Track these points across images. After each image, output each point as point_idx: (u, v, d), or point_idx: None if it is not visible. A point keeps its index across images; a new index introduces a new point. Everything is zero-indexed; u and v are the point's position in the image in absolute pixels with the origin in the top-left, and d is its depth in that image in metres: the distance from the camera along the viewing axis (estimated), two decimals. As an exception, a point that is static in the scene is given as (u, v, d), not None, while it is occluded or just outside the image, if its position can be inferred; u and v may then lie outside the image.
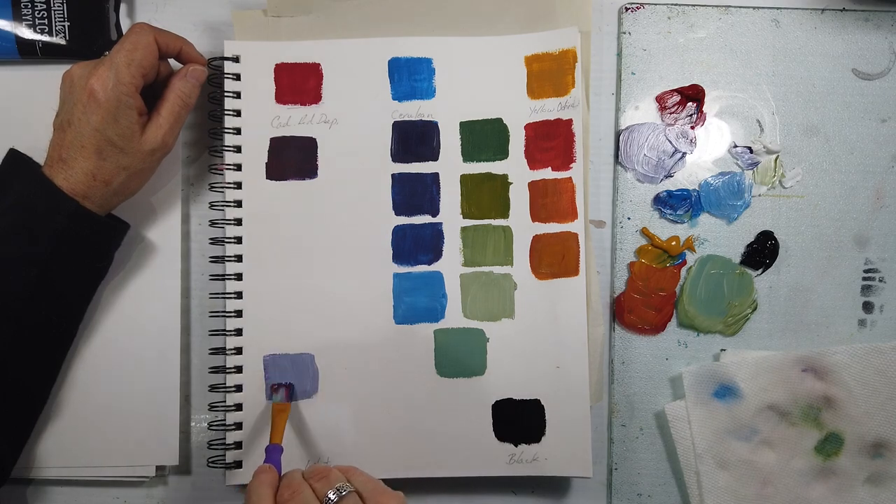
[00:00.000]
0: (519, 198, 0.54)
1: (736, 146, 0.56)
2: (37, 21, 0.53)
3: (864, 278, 0.56)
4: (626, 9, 0.56)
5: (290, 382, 0.53)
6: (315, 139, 0.54)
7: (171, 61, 0.52)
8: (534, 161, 0.54)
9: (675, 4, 0.56)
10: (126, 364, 0.54)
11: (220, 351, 0.53)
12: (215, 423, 0.53)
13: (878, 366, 0.54)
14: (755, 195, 0.56)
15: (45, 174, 0.48)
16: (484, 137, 0.55)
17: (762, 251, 0.56)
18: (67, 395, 0.53)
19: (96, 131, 0.47)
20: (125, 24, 0.56)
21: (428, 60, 0.55)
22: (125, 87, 0.47)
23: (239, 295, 0.53)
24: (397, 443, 0.53)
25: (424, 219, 0.54)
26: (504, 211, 0.54)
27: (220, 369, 0.53)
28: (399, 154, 0.55)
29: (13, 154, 0.50)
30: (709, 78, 0.56)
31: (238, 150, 0.54)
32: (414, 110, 0.55)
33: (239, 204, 0.54)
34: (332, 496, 0.41)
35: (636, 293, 0.55)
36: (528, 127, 0.54)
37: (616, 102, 0.57)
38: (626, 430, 0.55)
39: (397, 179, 0.54)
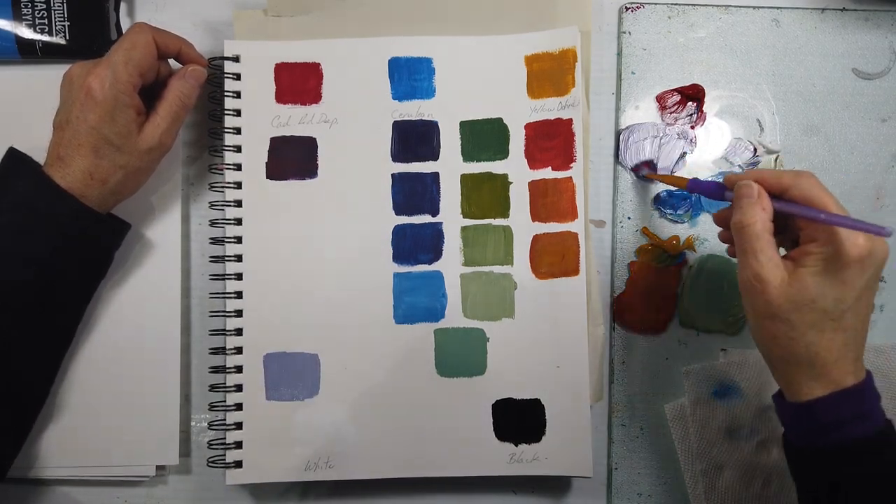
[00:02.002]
0: (519, 197, 0.54)
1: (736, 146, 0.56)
2: (37, 21, 0.53)
3: (865, 278, 0.56)
4: (626, 8, 0.56)
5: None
6: (315, 139, 0.54)
7: (172, 62, 0.52)
8: (534, 161, 0.54)
9: (676, 4, 0.56)
10: (126, 364, 0.54)
11: (220, 351, 0.53)
12: (215, 423, 0.53)
13: (878, 366, 0.54)
14: (755, 195, 0.56)
15: (45, 172, 0.48)
16: (484, 137, 0.55)
17: (762, 251, 0.56)
18: (68, 394, 0.53)
19: (93, 129, 0.47)
20: (125, 24, 0.56)
21: (428, 60, 0.55)
22: (122, 86, 0.47)
23: (239, 295, 0.53)
24: (397, 443, 0.53)
25: (424, 218, 0.54)
26: (504, 211, 0.54)
27: (220, 369, 0.53)
28: (399, 154, 0.55)
29: (12, 153, 0.50)
30: (709, 77, 0.56)
31: (238, 149, 0.54)
32: (414, 110, 0.55)
33: (239, 204, 0.54)
34: None
35: (636, 293, 0.55)
36: (529, 126, 0.54)
37: (616, 102, 0.57)
38: (626, 430, 0.55)
39: (397, 179, 0.54)
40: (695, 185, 0.48)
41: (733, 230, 0.43)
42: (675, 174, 0.55)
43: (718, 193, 0.46)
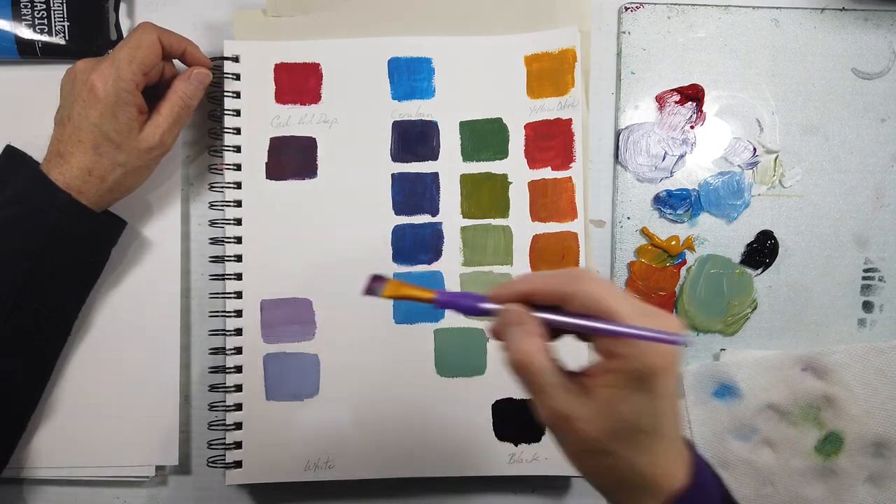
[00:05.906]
0: (519, 197, 0.54)
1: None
2: (36, 21, 0.53)
3: (864, 278, 0.56)
4: (626, 8, 0.56)
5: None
6: (315, 139, 0.54)
7: (177, 63, 0.52)
8: (533, 160, 0.54)
9: (675, 4, 0.56)
10: (126, 364, 0.54)
11: (220, 351, 0.53)
12: (215, 423, 0.53)
13: (877, 365, 0.54)
14: (755, 195, 0.56)
15: (42, 169, 0.48)
16: (484, 137, 0.55)
17: (762, 251, 0.56)
18: (68, 394, 0.53)
19: (94, 126, 0.47)
20: (125, 24, 0.56)
21: (428, 60, 0.55)
22: (125, 84, 0.47)
23: (239, 295, 0.53)
24: (397, 443, 0.53)
25: (424, 218, 0.54)
26: (504, 211, 0.54)
27: (220, 369, 0.53)
28: (399, 154, 0.55)
29: (9, 150, 0.50)
30: (708, 77, 0.56)
31: (238, 149, 0.54)
32: (414, 110, 0.55)
33: (239, 204, 0.54)
34: None
35: (636, 293, 0.55)
36: (528, 126, 0.54)
37: (616, 102, 0.57)
38: (626, 430, 0.55)
39: (397, 179, 0.54)
40: (444, 300, 0.37)
41: (511, 368, 0.35)
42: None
43: (476, 309, 0.37)
